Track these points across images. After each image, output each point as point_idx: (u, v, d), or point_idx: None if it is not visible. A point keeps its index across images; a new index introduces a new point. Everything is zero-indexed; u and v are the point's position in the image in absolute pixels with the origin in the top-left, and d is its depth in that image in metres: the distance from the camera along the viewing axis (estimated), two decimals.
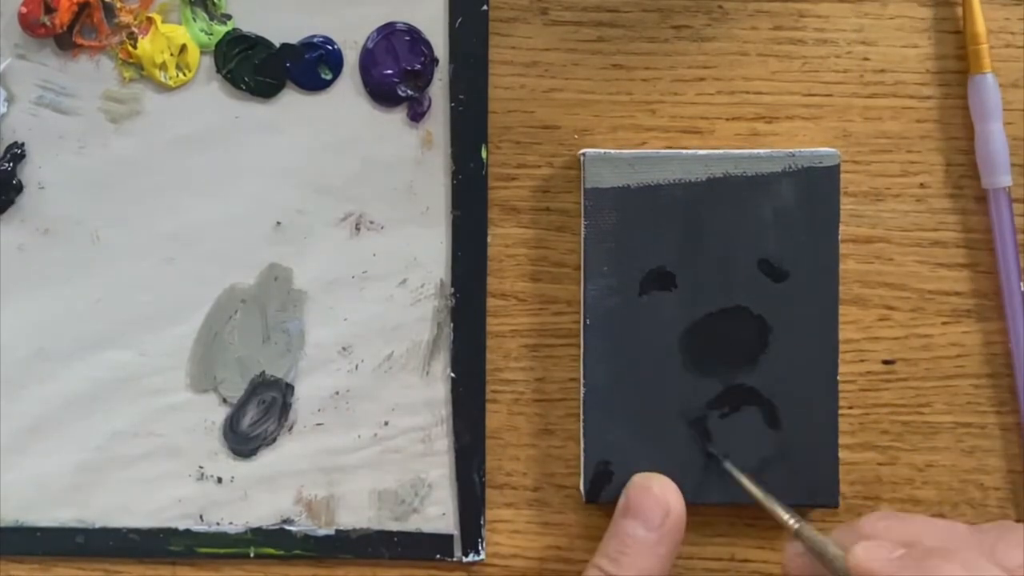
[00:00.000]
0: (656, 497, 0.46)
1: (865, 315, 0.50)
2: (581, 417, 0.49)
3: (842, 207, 0.49)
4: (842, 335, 0.49)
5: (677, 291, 0.48)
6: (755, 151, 0.49)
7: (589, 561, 0.46)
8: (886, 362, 0.50)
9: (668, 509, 0.46)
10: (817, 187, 0.48)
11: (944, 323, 0.50)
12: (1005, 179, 0.49)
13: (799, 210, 0.48)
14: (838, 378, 0.48)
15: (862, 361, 0.50)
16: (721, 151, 0.49)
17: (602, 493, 0.49)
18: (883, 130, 0.50)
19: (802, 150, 0.48)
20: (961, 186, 0.50)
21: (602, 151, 0.49)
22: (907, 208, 0.50)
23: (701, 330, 0.48)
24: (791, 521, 0.45)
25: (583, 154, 0.49)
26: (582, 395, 0.49)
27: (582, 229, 0.49)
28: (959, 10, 0.49)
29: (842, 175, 0.49)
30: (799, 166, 0.48)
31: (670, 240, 0.48)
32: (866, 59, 0.50)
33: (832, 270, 0.48)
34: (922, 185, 0.50)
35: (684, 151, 0.49)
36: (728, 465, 0.48)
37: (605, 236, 0.49)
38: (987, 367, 0.50)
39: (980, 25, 0.49)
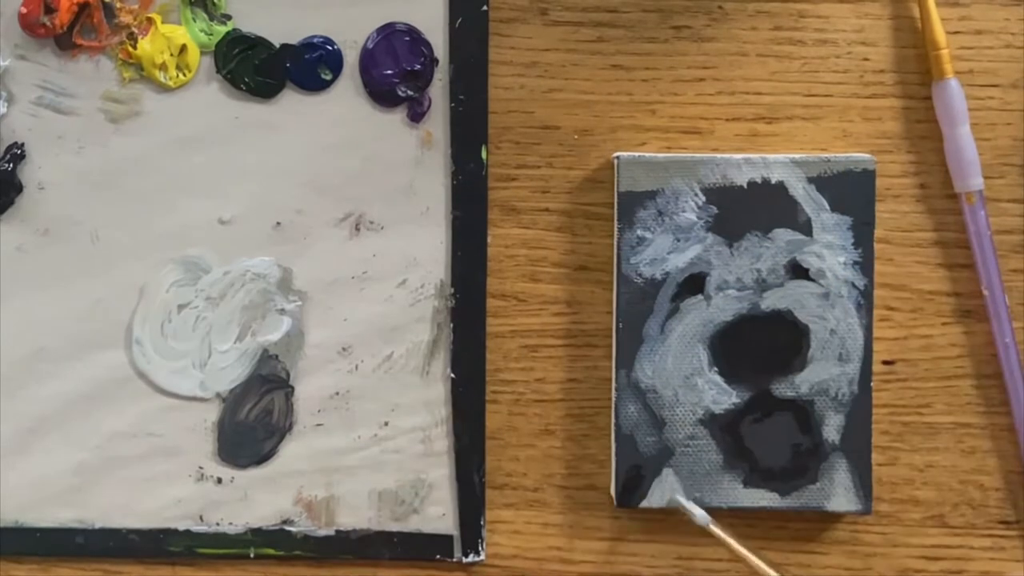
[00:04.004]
0: None
1: None
2: (613, 421, 0.49)
3: None
4: None
5: (709, 295, 0.48)
6: (789, 155, 0.48)
7: None
8: (886, 362, 0.50)
9: None
10: (852, 191, 0.48)
11: (944, 323, 0.50)
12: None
13: (834, 214, 0.48)
14: (871, 384, 0.48)
15: None
16: (757, 155, 0.48)
17: (634, 497, 0.49)
18: (883, 130, 0.50)
19: (837, 155, 0.48)
20: None
21: (636, 154, 0.49)
22: (907, 208, 0.50)
23: (734, 334, 0.48)
24: None
25: (617, 157, 0.49)
26: (614, 399, 0.49)
27: (615, 232, 0.49)
28: (959, 10, 0.49)
29: None
30: (834, 171, 0.48)
31: (703, 244, 0.48)
32: (866, 59, 0.50)
33: (867, 273, 0.48)
34: (922, 185, 0.50)
35: (718, 155, 0.48)
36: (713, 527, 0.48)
37: (638, 239, 0.48)
38: (987, 367, 0.50)
39: (939, 31, 0.48)
